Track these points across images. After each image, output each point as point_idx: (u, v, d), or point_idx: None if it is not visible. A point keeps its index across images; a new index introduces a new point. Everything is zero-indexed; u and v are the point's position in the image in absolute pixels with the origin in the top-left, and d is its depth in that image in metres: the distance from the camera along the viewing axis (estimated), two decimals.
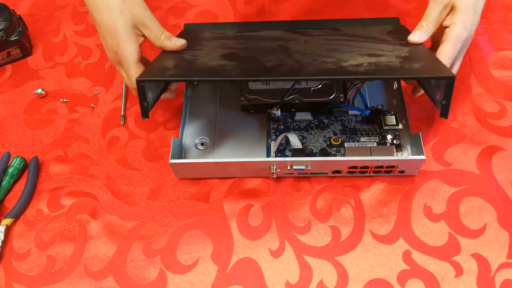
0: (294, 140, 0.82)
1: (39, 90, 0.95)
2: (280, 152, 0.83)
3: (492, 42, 0.97)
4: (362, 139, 0.84)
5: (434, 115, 0.88)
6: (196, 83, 0.75)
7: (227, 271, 0.75)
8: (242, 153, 0.85)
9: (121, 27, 0.73)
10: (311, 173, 0.81)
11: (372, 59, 0.71)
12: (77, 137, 0.91)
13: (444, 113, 0.69)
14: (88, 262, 0.78)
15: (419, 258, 0.74)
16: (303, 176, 0.82)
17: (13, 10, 1.00)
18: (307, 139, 0.85)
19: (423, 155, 0.76)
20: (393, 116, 0.86)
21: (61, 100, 0.96)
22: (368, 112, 0.86)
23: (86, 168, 0.87)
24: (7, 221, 0.81)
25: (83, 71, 1.00)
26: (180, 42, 0.77)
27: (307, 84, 0.86)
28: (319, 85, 0.85)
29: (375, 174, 0.81)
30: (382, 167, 0.78)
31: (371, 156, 0.79)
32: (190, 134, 0.87)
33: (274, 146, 0.83)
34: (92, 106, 0.94)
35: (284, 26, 0.91)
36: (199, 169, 0.81)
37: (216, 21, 1.06)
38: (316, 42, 0.83)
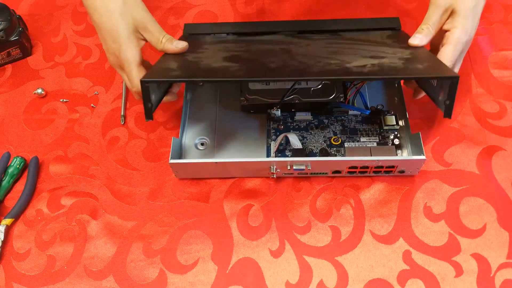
0: (294, 140, 0.82)
1: (39, 90, 0.95)
2: (280, 152, 0.83)
3: (492, 42, 0.97)
4: (362, 139, 0.84)
5: (434, 115, 0.88)
6: (201, 83, 0.75)
7: (227, 271, 0.75)
8: (242, 153, 0.85)
9: (122, 30, 0.73)
10: (311, 173, 0.81)
11: (375, 61, 0.71)
12: (77, 137, 0.91)
13: (448, 113, 0.69)
14: (88, 262, 0.78)
15: (419, 258, 0.75)
16: (303, 176, 0.82)
17: (13, 10, 1.00)
18: (307, 139, 0.85)
19: (423, 155, 0.76)
20: (393, 116, 0.85)
21: (61, 100, 0.96)
22: (368, 112, 0.86)
23: (86, 168, 0.87)
24: (7, 221, 0.81)
25: (83, 71, 1.00)
26: (182, 45, 0.77)
27: (307, 84, 0.86)
28: (319, 85, 0.86)
29: (375, 174, 0.81)
30: (382, 167, 0.78)
31: (371, 156, 0.79)
32: (190, 134, 0.87)
33: (274, 146, 0.83)
34: (92, 106, 0.94)
35: (284, 26, 0.91)
36: (199, 169, 0.81)
37: (216, 21, 1.06)
38: (317, 45, 0.84)
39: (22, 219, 0.82)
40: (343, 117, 0.87)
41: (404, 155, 0.82)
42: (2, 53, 0.98)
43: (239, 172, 0.82)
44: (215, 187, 0.83)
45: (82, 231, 0.80)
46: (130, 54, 0.74)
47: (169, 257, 0.77)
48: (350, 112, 0.87)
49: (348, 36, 0.87)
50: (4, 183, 0.84)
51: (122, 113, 0.92)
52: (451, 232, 0.77)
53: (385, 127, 0.85)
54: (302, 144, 0.83)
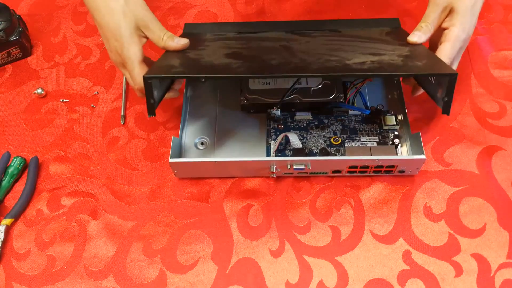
0: (294, 140, 0.82)
1: (39, 90, 0.95)
2: (280, 151, 0.83)
3: (492, 42, 0.97)
4: (362, 139, 0.84)
5: (434, 115, 0.88)
6: (203, 80, 0.75)
7: (227, 271, 0.75)
8: (242, 153, 0.85)
9: (124, 29, 0.74)
10: (311, 173, 0.81)
11: (375, 58, 0.72)
12: (77, 137, 0.91)
13: (446, 110, 0.70)
14: (88, 262, 0.78)
15: (419, 258, 0.74)
16: (303, 176, 0.82)
17: (13, 10, 1.00)
18: (307, 139, 0.85)
19: (423, 154, 0.76)
20: (393, 116, 0.86)
21: (61, 100, 0.96)
22: (368, 112, 0.86)
23: (86, 168, 0.87)
24: (7, 221, 0.81)
25: (83, 71, 1.00)
26: (183, 41, 0.78)
27: (307, 84, 0.86)
28: (319, 85, 0.86)
29: (375, 174, 0.81)
30: (382, 166, 0.78)
31: (371, 155, 0.79)
32: (190, 134, 0.87)
33: (274, 146, 0.83)
34: (92, 106, 0.94)
35: (284, 26, 0.91)
36: (199, 168, 0.81)
37: (216, 21, 1.06)
38: (317, 42, 0.84)
39: (22, 219, 0.82)
40: (343, 117, 0.87)
41: (404, 155, 0.82)
42: (2, 53, 0.98)
43: (239, 172, 0.82)
44: (215, 187, 0.83)
45: (82, 231, 0.80)
46: (133, 52, 0.74)
47: (169, 257, 0.77)
48: (350, 112, 0.87)
49: (348, 33, 0.87)
50: (4, 183, 0.84)
51: (122, 113, 0.92)
52: (451, 232, 0.76)
53: (385, 127, 0.85)
54: (302, 144, 0.83)
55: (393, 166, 0.78)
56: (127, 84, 0.96)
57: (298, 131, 0.86)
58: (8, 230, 0.81)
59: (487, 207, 0.78)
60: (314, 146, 0.84)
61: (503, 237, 0.76)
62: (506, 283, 0.72)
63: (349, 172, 0.80)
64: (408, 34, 0.78)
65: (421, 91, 0.81)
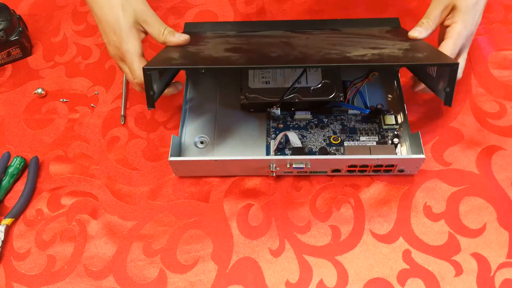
0: (294, 139, 0.82)
1: (39, 90, 0.95)
2: (280, 150, 0.83)
3: (492, 42, 0.97)
4: (361, 138, 0.84)
5: (433, 114, 0.88)
6: (203, 71, 0.75)
7: (227, 271, 0.75)
8: (242, 152, 0.85)
9: (123, 23, 0.74)
10: (311, 172, 0.81)
11: (375, 51, 0.73)
12: (77, 137, 0.91)
13: (448, 101, 0.71)
14: (88, 262, 0.78)
15: (419, 257, 0.75)
16: (303, 175, 0.82)
17: (13, 10, 1.00)
18: (306, 138, 0.85)
19: (423, 154, 0.76)
20: (393, 116, 0.86)
21: (61, 100, 0.96)
22: (367, 111, 0.86)
23: (86, 168, 0.87)
24: (7, 221, 0.81)
25: (83, 71, 1.00)
26: (184, 37, 0.78)
27: (307, 83, 0.86)
28: (319, 84, 0.86)
29: (374, 173, 0.81)
30: (381, 166, 0.78)
31: (371, 155, 0.79)
32: (190, 133, 0.87)
33: (273, 145, 0.83)
34: (92, 106, 0.94)
35: (284, 26, 0.91)
36: (199, 167, 0.81)
37: (216, 21, 1.06)
38: (318, 38, 0.84)
39: (22, 219, 0.82)
40: (342, 116, 0.87)
41: (404, 154, 0.82)
42: (2, 53, 0.98)
43: (239, 171, 0.82)
44: (215, 186, 0.83)
45: (82, 231, 0.80)
46: (132, 45, 0.75)
47: (169, 257, 0.77)
48: (350, 111, 0.87)
49: (348, 31, 0.87)
50: (4, 183, 0.84)
51: (122, 113, 0.92)
52: (451, 231, 0.76)
53: (385, 126, 0.85)
54: (301, 143, 0.83)
55: (392, 166, 0.78)
56: (127, 83, 0.96)
57: (297, 130, 0.86)
58: (8, 230, 0.81)
59: (487, 207, 0.78)
60: (314, 145, 0.84)
61: (503, 236, 0.76)
62: (506, 283, 0.72)
63: (348, 171, 0.80)
64: (407, 32, 0.79)
65: (422, 86, 0.81)
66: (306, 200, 0.81)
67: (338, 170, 0.80)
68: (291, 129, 0.86)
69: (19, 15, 1.02)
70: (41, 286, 0.76)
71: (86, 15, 1.09)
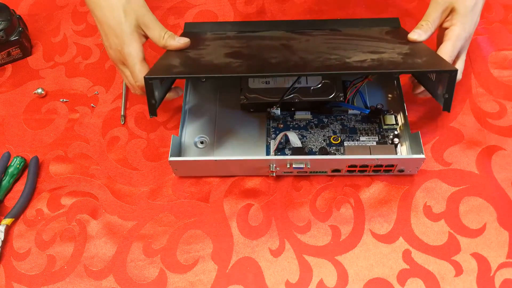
0: (294, 139, 0.82)
1: (39, 90, 0.95)
2: (280, 150, 0.83)
3: (492, 42, 0.97)
4: (361, 138, 0.84)
5: (433, 115, 0.88)
6: (203, 80, 0.75)
7: (227, 271, 0.75)
8: (242, 152, 0.85)
9: (125, 26, 0.74)
10: (311, 172, 0.81)
11: (375, 56, 0.72)
12: (77, 137, 0.91)
13: (447, 107, 0.71)
14: (88, 262, 0.78)
15: (419, 257, 0.75)
16: (303, 175, 0.82)
17: (13, 10, 1.00)
18: (306, 138, 0.85)
19: (422, 154, 0.76)
20: (393, 116, 0.86)
21: (61, 100, 0.96)
22: (367, 111, 0.86)
23: (86, 168, 0.87)
24: (7, 221, 0.81)
25: (83, 71, 1.00)
26: (184, 40, 0.79)
27: (307, 83, 0.86)
28: (319, 84, 0.86)
29: (374, 174, 0.81)
30: (381, 166, 0.78)
31: (371, 155, 0.79)
32: (190, 133, 0.88)
33: (273, 145, 0.83)
34: (92, 106, 0.94)
35: (284, 26, 0.91)
36: (199, 167, 0.81)
37: (216, 21, 1.06)
38: (317, 41, 0.84)
39: (22, 219, 0.82)
40: (342, 116, 0.87)
41: (404, 154, 0.82)
42: (2, 53, 0.98)
43: (239, 171, 0.82)
44: (215, 186, 0.83)
45: (82, 231, 0.80)
46: (133, 49, 0.75)
47: (169, 257, 0.77)
48: (350, 111, 0.87)
49: (348, 32, 0.87)
50: (4, 183, 0.84)
51: (122, 113, 0.92)
52: (451, 231, 0.77)
53: (385, 126, 0.85)
54: (301, 143, 0.83)
55: (392, 166, 0.78)
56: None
57: (297, 130, 0.86)
58: (8, 230, 0.81)
59: (487, 207, 0.78)
60: (314, 145, 0.84)
61: (503, 236, 0.76)
62: (506, 283, 0.72)
63: (348, 171, 0.80)
64: (407, 33, 0.79)
65: (422, 89, 0.81)
66: (306, 200, 0.81)
67: (338, 170, 0.80)
68: (291, 129, 0.86)
69: (19, 15, 1.02)
70: (41, 286, 0.76)
71: (86, 15, 1.09)
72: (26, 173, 0.86)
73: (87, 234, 0.80)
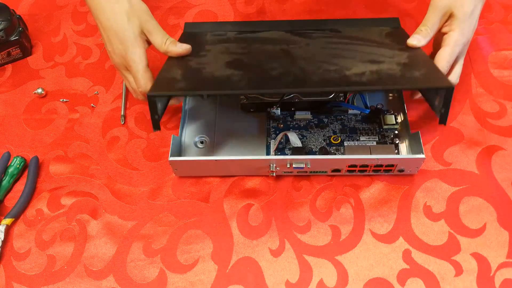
0: (294, 139, 0.82)
1: (39, 90, 0.95)
2: (280, 150, 0.83)
3: (492, 42, 0.97)
4: (361, 138, 0.84)
5: (433, 114, 0.87)
6: (205, 96, 0.76)
7: (227, 271, 0.75)
8: (242, 151, 0.85)
9: (130, 32, 0.75)
10: (311, 172, 0.81)
11: (374, 67, 0.72)
12: (77, 136, 0.91)
13: (443, 121, 0.72)
14: (88, 262, 0.78)
15: (419, 257, 0.74)
16: (303, 175, 0.83)
17: (13, 10, 1.00)
18: (306, 138, 0.85)
19: (423, 154, 0.76)
20: (393, 116, 0.86)
21: (61, 100, 0.96)
22: (367, 111, 0.86)
23: (86, 167, 0.87)
24: (7, 221, 0.81)
25: (83, 71, 1.00)
26: (185, 47, 0.79)
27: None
28: None
29: (374, 173, 0.81)
30: (381, 165, 0.78)
31: (371, 155, 0.79)
32: (190, 132, 0.88)
33: (273, 145, 0.83)
34: (92, 106, 0.94)
35: (284, 26, 0.91)
36: (199, 167, 0.81)
37: (216, 21, 1.06)
38: (317, 45, 0.83)
39: (22, 219, 0.82)
40: (342, 116, 0.87)
41: (404, 154, 0.82)
42: (2, 53, 0.98)
43: (239, 170, 0.82)
44: (215, 186, 0.83)
45: (82, 231, 0.80)
46: (137, 55, 0.75)
47: (169, 257, 0.77)
48: (350, 111, 0.87)
49: (347, 34, 0.87)
50: (4, 183, 0.84)
51: (122, 113, 0.92)
52: (451, 231, 0.76)
53: (385, 126, 0.85)
54: (301, 142, 0.83)
55: (392, 165, 0.78)
56: None
57: (297, 130, 0.86)
58: (8, 230, 0.81)
59: (487, 207, 0.78)
60: (314, 145, 0.84)
61: (503, 236, 0.76)
62: (506, 283, 0.72)
63: (348, 171, 0.80)
64: (407, 36, 0.79)
65: (419, 94, 0.83)
66: (306, 200, 0.81)
67: (338, 170, 0.80)
68: (291, 129, 0.86)
69: (19, 15, 1.02)
70: (41, 286, 0.76)
71: (86, 15, 1.09)
72: (26, 173, 0.86)
73: (87, 234, 0.80)
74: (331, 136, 0.85)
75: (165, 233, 0.79)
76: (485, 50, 0.96)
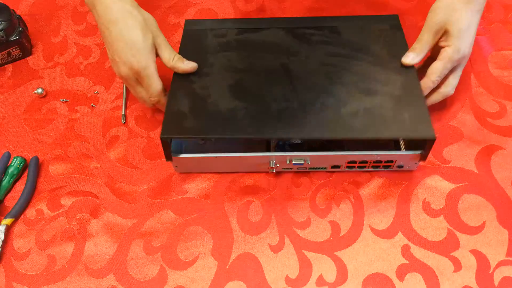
0: None
1: (39, 90, 0.96)
2: (280, 147, 0.83)
3: (492, 42, 0.98)
4: None
5: (433, 112, 0.88)
6: (213, 140, 0.85)
7: (227, 267, 0.75)
8: (242, 148, 0.85)
9: (144, 46, 0.77)
10: (310, 168, 0.82)
11: (368, 103, 0.77)
12: (77, 136, 0.91)
13: (423, 158, 0.78)
14: (88, 261, 0.78)
15: (418, 252, 0.75)
16: (303, 171, 0.83)
17: (13, 10, 1.00)
18: None
19: (421, 149, 0.76)
20: None
21: (61, 100, 0.96)
22: None
23: (86, 167, 0.87)
24: (7, 221, 0.81)
25: (83, 70, 1.00)
26: (192, 65, 0.82)
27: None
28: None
29: (374, 169, 0.81)
30: (380, 162, 0.78)
31: (370, 151, 0.79)
32: None
33: (273, 141, 0.83)
34: (92, 106, 0.95)
35: (284, 23, 0.91)
36: (199, 164, 0.81)
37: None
38: (316, 59, 0.84)
39: (22, 219, 0.82)
40: None
41: (403, 150, 0.82)
42: (2, 53, 0.99)
43: (239, 167, 0.83)
44: (215, 183, 0.83)
45: (82, 230, 0.80)
46: (152, 69, 0.78)
47: (169, 254, 0.77)
48: None
49: (346, 37, 0.87)
50: (4, 183, 0.84)
51: (123, 112, 0.92)
52: (450, 228, 0.76)
53: None
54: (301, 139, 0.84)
55: (391, 161, 0.78)
56: None
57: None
58: (8, 230, 0.81)
59: (486, 205, 0.78)
60: (314, 142, 0.84)
61: (502, 235, 0.76)
62: (505, 281, 0.72)
63: (348, 167, 0.80)
64: (404, 40, 0.83)
65: None
66: (306, 196, 0.81)
67: (337, 166, 0.80)
68: None
69: (19, 15, 1.02)
70: (41, 286, 0.76)
71: (86, 15, 1.09)
72: (26, 173, 0.86)
73: (87, 233, 0.80)
74: None
75: (166, 230, 0.79)
76: (485, 50, 0.96)
